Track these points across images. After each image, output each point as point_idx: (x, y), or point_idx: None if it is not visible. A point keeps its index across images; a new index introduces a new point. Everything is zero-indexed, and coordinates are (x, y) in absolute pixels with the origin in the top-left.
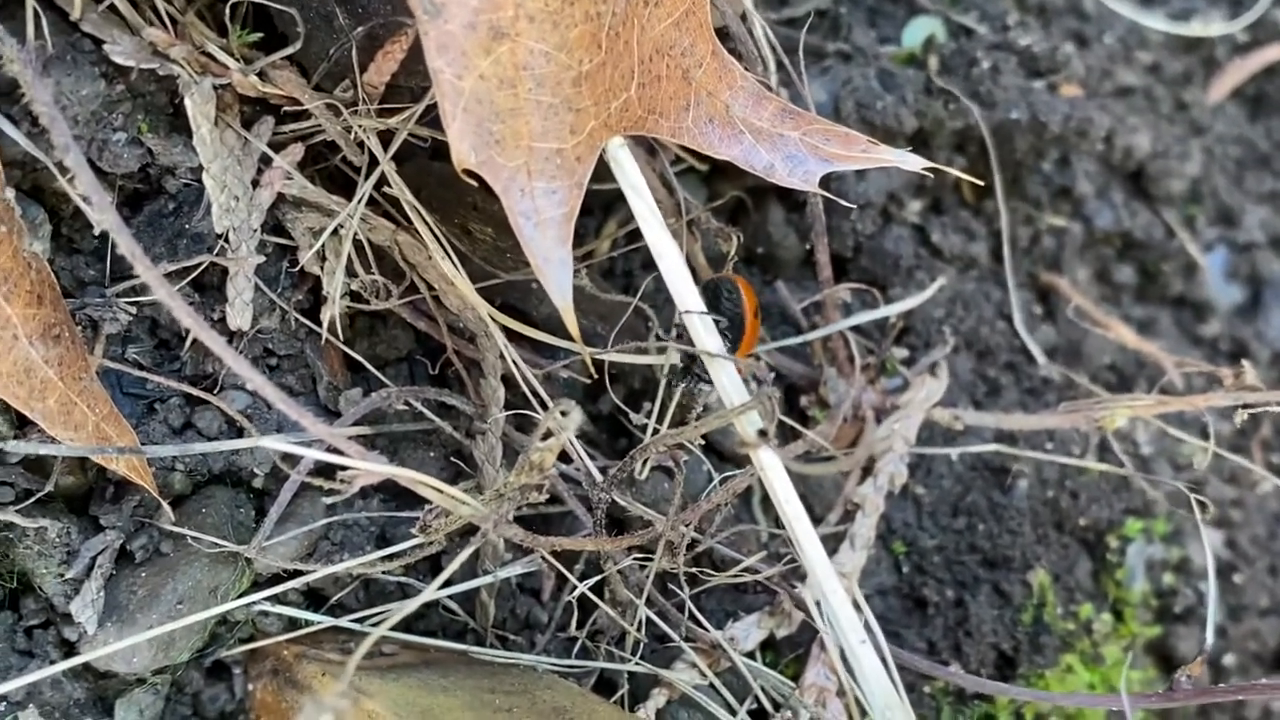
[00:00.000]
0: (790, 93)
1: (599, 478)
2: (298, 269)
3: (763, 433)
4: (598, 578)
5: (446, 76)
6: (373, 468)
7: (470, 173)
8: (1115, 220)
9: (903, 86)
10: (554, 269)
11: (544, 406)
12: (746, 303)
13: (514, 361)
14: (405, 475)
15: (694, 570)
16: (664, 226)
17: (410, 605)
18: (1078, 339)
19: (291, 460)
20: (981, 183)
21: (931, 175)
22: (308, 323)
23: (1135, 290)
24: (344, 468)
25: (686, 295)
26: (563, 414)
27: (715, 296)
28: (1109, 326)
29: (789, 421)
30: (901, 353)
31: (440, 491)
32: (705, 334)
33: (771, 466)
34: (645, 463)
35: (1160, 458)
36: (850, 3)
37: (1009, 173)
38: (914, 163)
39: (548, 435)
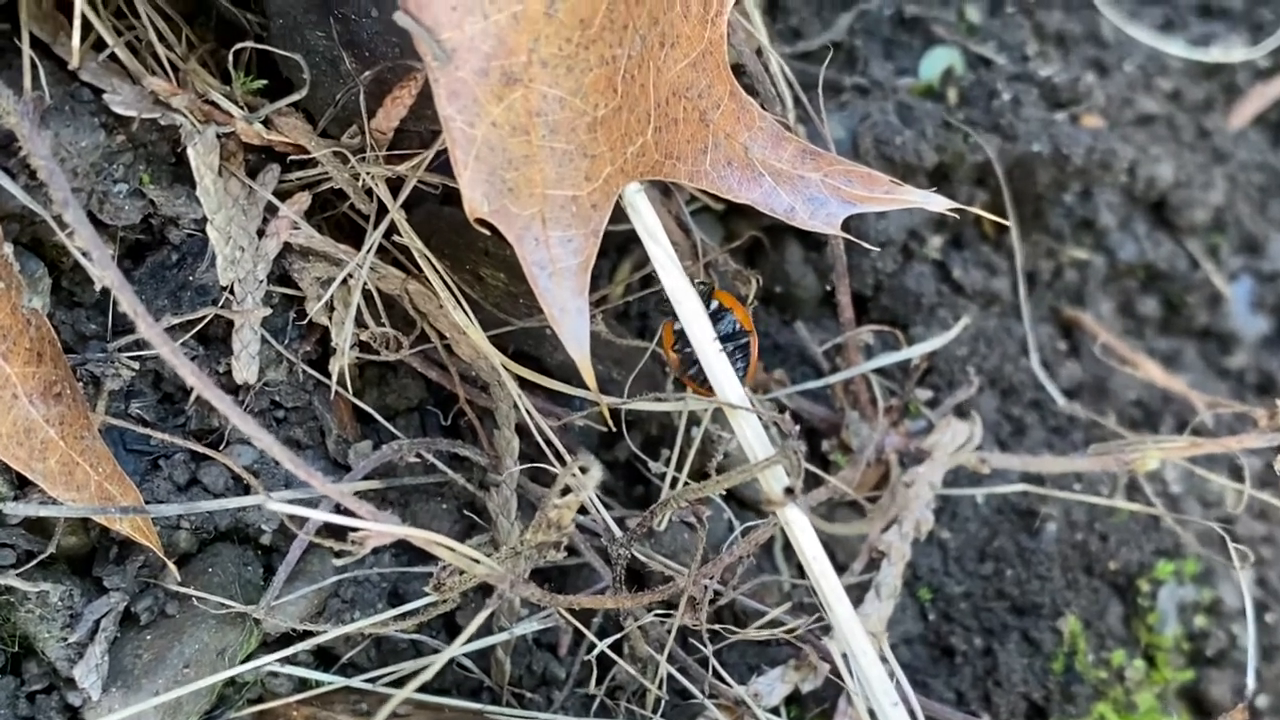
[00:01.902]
0: (808, 130)
1: (618, 533)
2: (305, 320)
3: (789, 490)
4: (617, 635)
5: (458, 124)
6: (386, 529)
7: (483, 221)
8: (1138, 252)
9: (922, 121)
10: (570, 320)
11: (560, 459)
12: (744, 323)
13: (529, 413)
14: (419, 536)
15: (716, 626)
16: (683, 273)
17: (429, 670)
18: (1103, 375)
19: (300, 518)
20: (1005, 221)
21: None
22: (316, 374)
23: (1159, 323)
24: (355, 528)
25: (706, 342)
26: (582, 470)
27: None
28: (1136, 364)
29: (810, 468)
30: (925, 394)
31: (455, 551)
32: (726, 380)
33: (799, 525)
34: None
35: (1189, 496)
36: (865, 34)
37: (1030, 205)
38: (939, 204)
39: (566, 491)
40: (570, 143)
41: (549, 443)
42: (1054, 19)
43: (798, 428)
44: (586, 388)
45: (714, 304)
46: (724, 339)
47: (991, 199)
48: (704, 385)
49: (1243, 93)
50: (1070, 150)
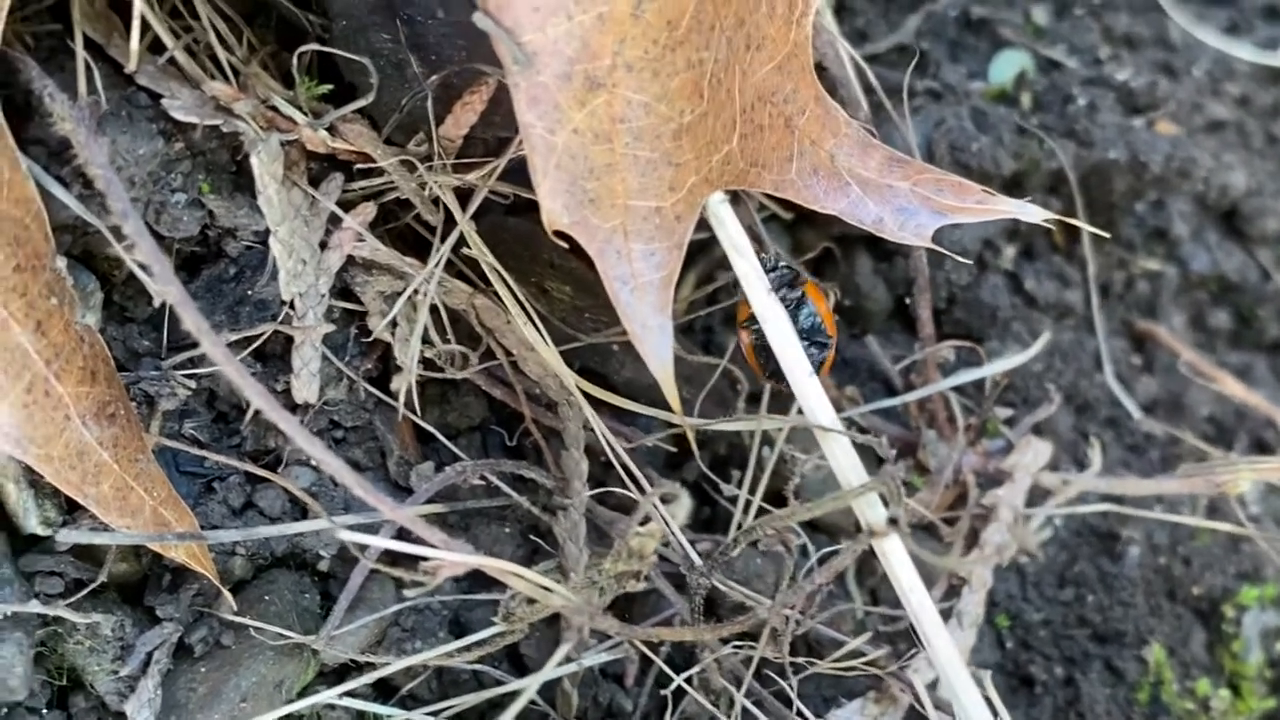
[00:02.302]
0: (882, 134)
1: (698, 562)
2: (368, 336)
3: (893, 520)
4: (691, 671)
5: (538, 131)
6: (460, 558)
7: (557, 233)
8: (1211, 263)
9: (997, 126)
10: (653, 337)
11: (633, 479)
12: (824, 315)
13: (603, 435)
14: (496, 566)
15: (795, 659)
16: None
17: (509, 711)
18: (1178, 390)
19: (363, 544)
20: (1095, 230)
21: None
22: (377, 393)
23: (1230, 336)
24: (421, 556)
25: (793, 361)
26: (665, 500)
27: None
28: (1217, 379)
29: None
30: (1004, 412)
31: (530, 581)
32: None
33: (896, 556)
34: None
35: (1267, 517)
36: (932, 36)
37: (1103, 214)
38: (1035, 214)
39: (646, 519)
40: (655, 150)
41: (624, 466)
42: (1121, 21)
43: (894, 451)
44: (657, 406)
45: (800, 292)
46: (802, 334)
47: (1065, 206)
48: (771, 377)
49: None
50: (1149, 158)
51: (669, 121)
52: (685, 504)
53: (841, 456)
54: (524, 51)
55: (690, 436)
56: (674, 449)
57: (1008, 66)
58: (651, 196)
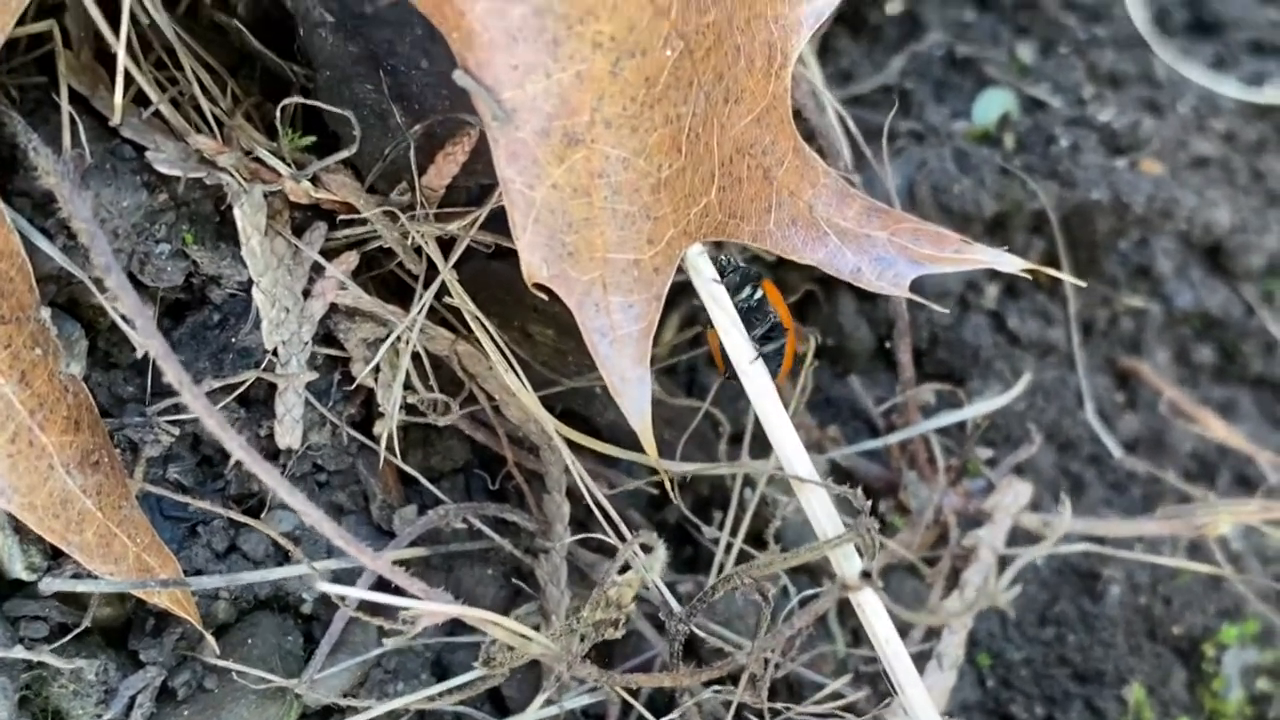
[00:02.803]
0: (865, 177)
1: (676, 608)
2: (351, 384)
3: (866, 574)
4: (672, 716)
5: (517, 186)
6: (438, 608)
7: (538, 284)
8: (1194, 299)
9: (979, 168)
10: (632, 389)
11: (611, 523)
12: (782, 312)
13: (581, 479)
14: (473, 615)
15: (773, 704)
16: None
17: None
18: (1160, 427)
19: (347, 581)
20: (1069, 278)
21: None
22: (360, 437)
23: (1214, 371)
24: (403, 600)
25: (772, 412)
26: (644, 548)
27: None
28: (1199, 419)
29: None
30: (985, 453)
31: (509, 629)
32: (792, 450)
33: (872, 608)
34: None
35: (1249, 553)
36: (916, 76)
37: (1086, 253)
38: (1011, 264)
39: (626, 567)
40: (633, 204)
41: (603, 510)
42: (1106, 58)
43: (869, 503)
44: (638, 450)
45: (759, 293)
46: (762, 337)
47: (1048, 246)
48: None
49: None
50: (1131, 199)
51: (647, 176)
52: (661, 555)
53: (818, 506)
54: (503, 108)
55: (668, 484)
56: (656, 491)
57: (992, 106)
58: (630, 250)
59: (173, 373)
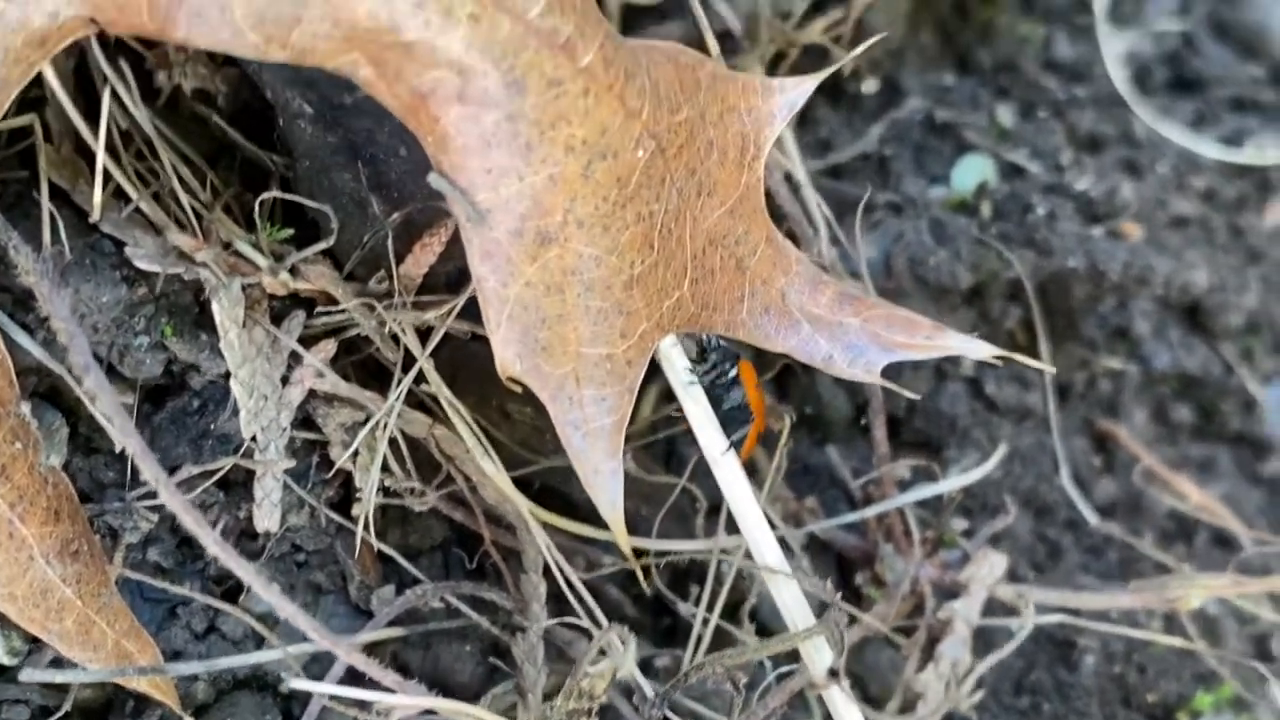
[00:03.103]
0: (841, 251)
1: (650, 694)
2: (331, 471)
3: (833, 672)
4: None
5: (491, 284)
6: (411, 701)
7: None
8: (1172, 360)
9: (955, 239)
10: (604, 481)
11: (586, 608)
12: (752, 395)
13: (556, 562)
14: (448, 707)
15: None
16: (719, 431)
17: None
18: (1138, 490)
19: (325, 662)
20: (1039, 364)
21: (985, 324)
22: (338, 518)
23: (1193, 430)
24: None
25: (743, 502)
26: (619, 637)
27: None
28: (1175, 484)
29: (844, 607)
30: (960, 524)
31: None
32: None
33: (842, 703)
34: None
35: (1226, 616)
36: (896, 141)
37: (1064, 317)
38: (981, 351)
39: (600, 655)
40: (606, 300)
41: (577, 594)
42: (1086, 119)
43: (840, 595)
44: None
45: (734, 371)
46: (726, 414)
47: (1025, 313)
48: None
49: (1276, 189)
50: (1107, 266)
51: (620, 273)
52: (632, 649)
53: (788, 596)
54: (478, 209)
55: (639, 573)
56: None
57: (970, 173)
58: (603, 344)
59: (149, 471)
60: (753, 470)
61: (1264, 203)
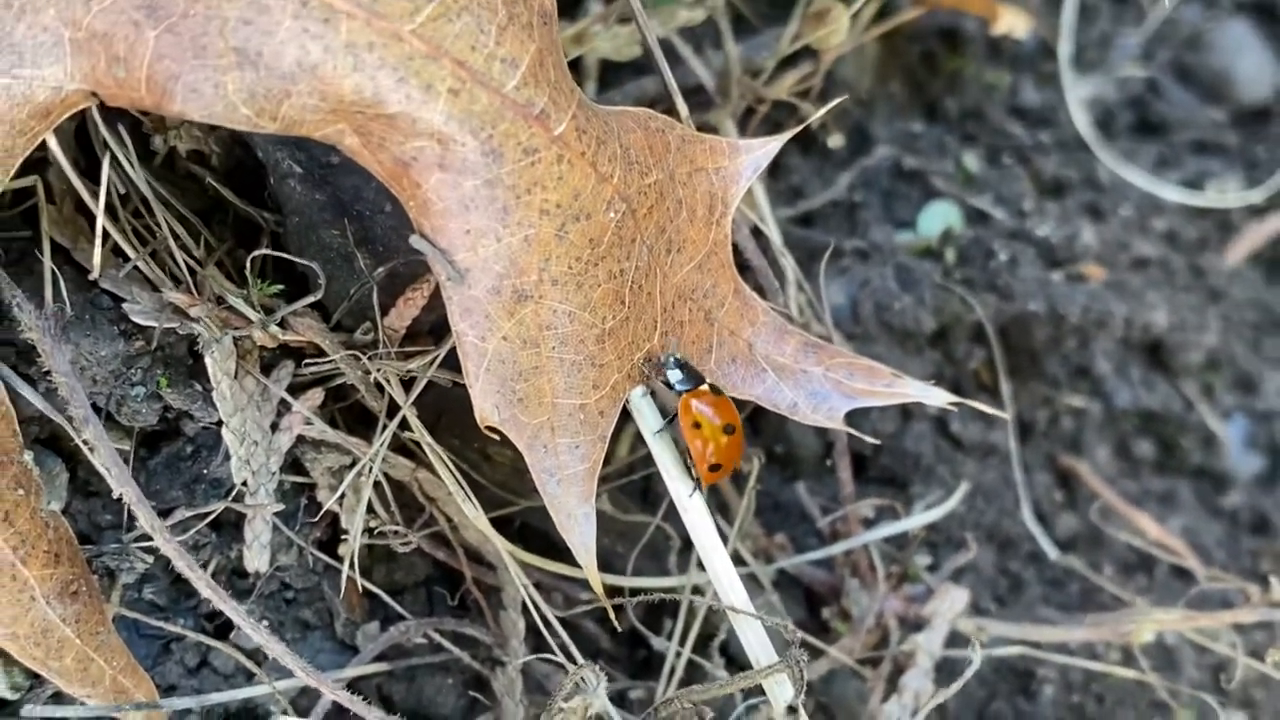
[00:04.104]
0: (809, 298)
1: None
2: (319, 514)
3: (793, 709)
4: None
5: (470, 339)
6: None
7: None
8: (1133, 398)
9: (920, 284)
10: (578, 525)
11: (560, 640)
12: (685, 433)
13: (534, 601)
14: None
15: None
16: (688, 480)
17: None
18: (1099, 523)
19: (313, 696)
20: (999, 412)
21: (950, 365)
22: (325, 558)
23: (1154, 464)
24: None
25: (711, 549)
26: (589, 675)
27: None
28: (1134, 520)
29: (811, 639)
30: (924, 560)
31: None
32: (727, 580)
33: None
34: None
35: (1183, 645)
36: (865, 188)
37: (1026, 356)
38: (938, 398)
39: (574, 690)
40: (579, 354)
41: (553, 630)
42: (1050, 164)
43: (800, 634)
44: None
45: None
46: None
47: (989, 353)
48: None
49: (1237, 230)
50: (1066, 310)
51: (592, 327)
52: (603, 689)
53: (752, 636)
54: (457, 269)
55: (612, 612)
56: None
57: (935, 220)
58: (576, 395)
59: (145, 519)
60: (724, 508)
61: (1225, 243)
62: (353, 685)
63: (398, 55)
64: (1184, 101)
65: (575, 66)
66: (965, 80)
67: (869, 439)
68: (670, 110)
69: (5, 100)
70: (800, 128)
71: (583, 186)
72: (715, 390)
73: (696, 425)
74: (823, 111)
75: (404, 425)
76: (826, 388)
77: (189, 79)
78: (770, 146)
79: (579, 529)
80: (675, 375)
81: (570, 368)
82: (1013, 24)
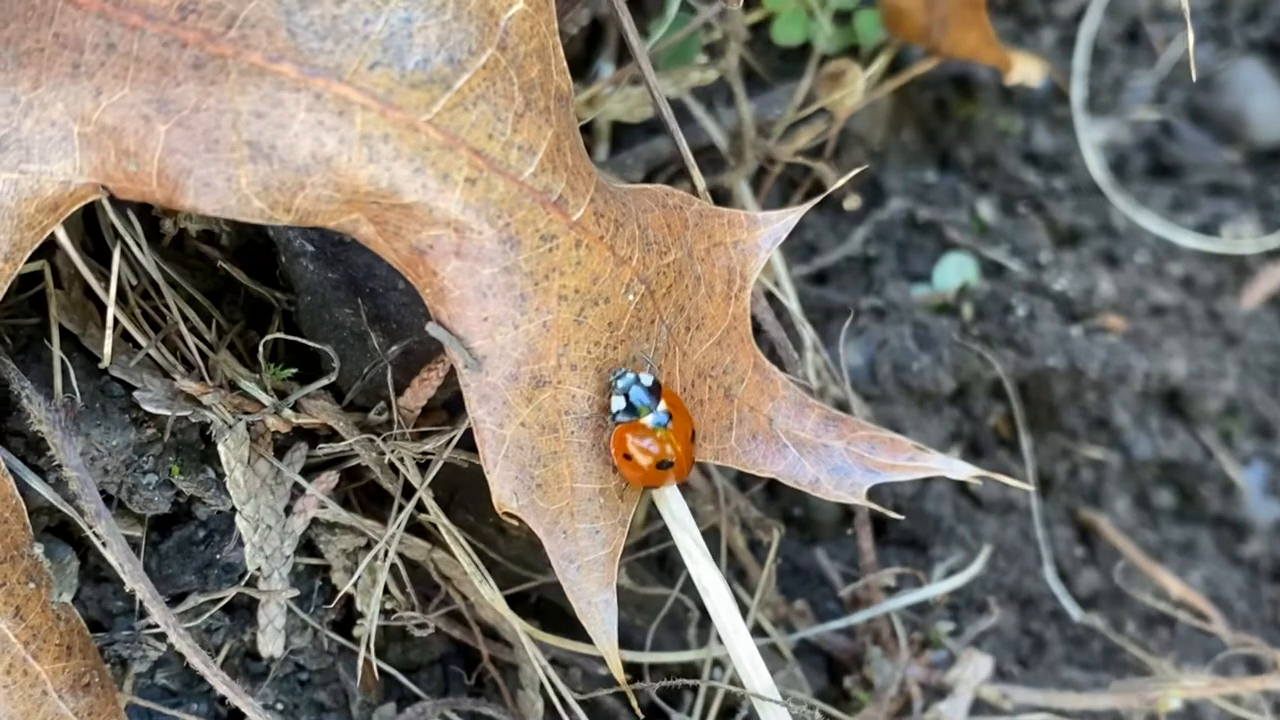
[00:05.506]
0: (826, 359)
1: None
2: (336, 598)
3: None
4: None
5: (488, 425)
6: None
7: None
8: (1153, 448)
9: (938, 343)
10: (598, 612)
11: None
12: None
13: (551, 681)
14: None
15: None
16: (711, 562)
17: None
18: (1122, 586)
19: None
20: (1020, 484)
21: (969, 421)
22: (340, 639)
23: (1174, 513)
24: None
25: (733, 630)
26: None
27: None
28: (1155, 577)
29: (832, 711)
30: (947, 626)
31: None
32: (753, 668)
33: None
34: None
35: (1211, 706)
36: (879, 241)
37: (1045, 409)
38: (962, 471)
39: None
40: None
41: (570, 710)
42: (1065, 211)
43: (820, 709)
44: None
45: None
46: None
47: (1007, 408)
48: None
49: (1253, 273)
50: (1085, 365)
51: None
52: None
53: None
54: (474, 356)
55: (630, 695)
56: (630, 677)
57: (951, 273)
58: (596, 480)
59: (159, 614)
60: (742, 574)
61: (1241, 286)
62: None
63: (414, 146)
64: (1198, 143)
65: (588, 129)
66: (978, 126)
67: (892, 514)
68: (683, 170)
69: (13, 195)
70: (820, 198)
71: (601, 271)
72: (675, 403)
73: (627, 457)
74: (842, 181)
75: (420, 505)
76: (849, 462)
77: (201, 173)
78: (789, 218)
79: (599, 616)
80: (617, 403)
81: (590, 452)
82: (1027, 73)
